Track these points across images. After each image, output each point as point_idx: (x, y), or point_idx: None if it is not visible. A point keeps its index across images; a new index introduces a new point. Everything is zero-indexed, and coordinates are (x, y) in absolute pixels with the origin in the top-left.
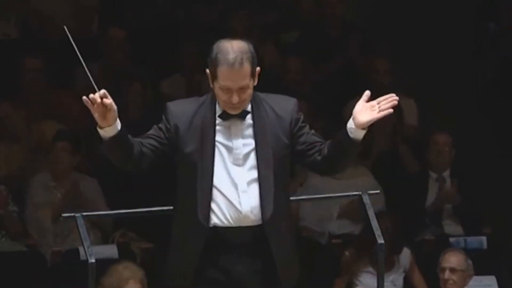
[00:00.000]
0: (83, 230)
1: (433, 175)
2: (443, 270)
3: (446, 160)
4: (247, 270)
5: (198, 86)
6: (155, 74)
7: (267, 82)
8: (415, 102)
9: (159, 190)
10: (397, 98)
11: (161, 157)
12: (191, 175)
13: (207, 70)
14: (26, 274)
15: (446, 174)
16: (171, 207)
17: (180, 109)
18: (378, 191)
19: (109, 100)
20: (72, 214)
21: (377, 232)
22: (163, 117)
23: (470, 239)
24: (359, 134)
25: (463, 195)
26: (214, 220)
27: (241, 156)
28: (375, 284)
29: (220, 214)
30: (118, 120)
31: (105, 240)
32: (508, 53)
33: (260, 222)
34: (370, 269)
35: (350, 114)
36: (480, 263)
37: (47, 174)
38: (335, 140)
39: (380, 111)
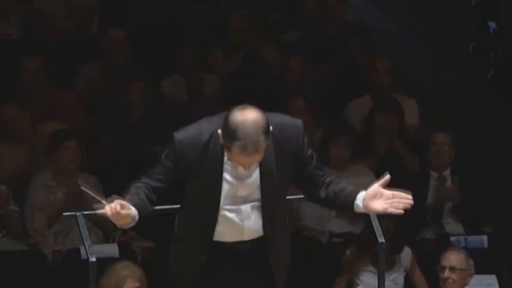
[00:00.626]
0: (84, 229)
1: (434, 174)
2: (443, 269)
3: (446, 160)
4: (247, 278)
5: (198, 86)
6: (155, 74)
7: (268, 82)
8: (416, 102)
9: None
10: (411, 201)
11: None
12: (198, 200)
13: (219, 131)
14: (27, 273)
15: (447, 173)
16: (173, 206)
17: (189, 146)
18: None
19: (127, 211)
20: (73, 213)
21: (378, 231)
22: (171, 152)
23: (471, 238)
24: (363, 211)
25: (464, 194)
26: (217, 238)
27: (244, 194)
28: (376, 283)
29: (223, 235)
30: (133, 210)
31: (106, 239)
32: (508, 53)
33: (260, 234)
34: (371, 268)
35: (351, 115)
36: (481, 262)
37: (48, 174)
38: (337, 196)
39: (392, 207)
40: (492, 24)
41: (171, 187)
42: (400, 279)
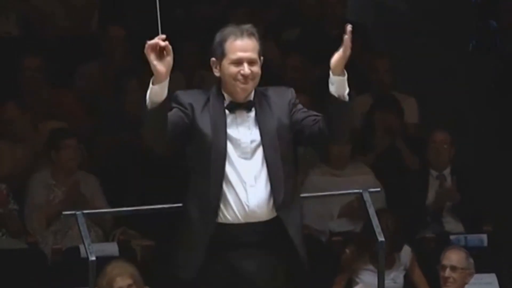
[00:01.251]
0: (83, 228)
1: (434, 173)
2: (444, 268)
3: (446, 158)
4: (254, 267)
5: (198, 84)
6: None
7: (268, 79)
8: (415, 100)
9: (160, 187)
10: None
11: (183, 132)
12: (202, 169)
13: (212, 59)
14: (27, 272)
15: (447, 172)
16: (172, 205)
17: (191, 96)
18: (378, 189)
19: (166, 43)
20: (73, 212)
21: (378, 229)
22: (175, 103)
23: (471, 237)
24: (339, 83)
25: (464, 193)
26: (222, 216)
27: (248, 150)
28: (376, 282)
29: (229, 210)
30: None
31: (105, 238)
32: (509, 51)
33: (266, 218)
34: (371, 266)
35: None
36: (481, 261)
37: (47, 173)
38: (327, 107)
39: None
40: (493, 23)
41: (184, 127)
42: (400, 278)
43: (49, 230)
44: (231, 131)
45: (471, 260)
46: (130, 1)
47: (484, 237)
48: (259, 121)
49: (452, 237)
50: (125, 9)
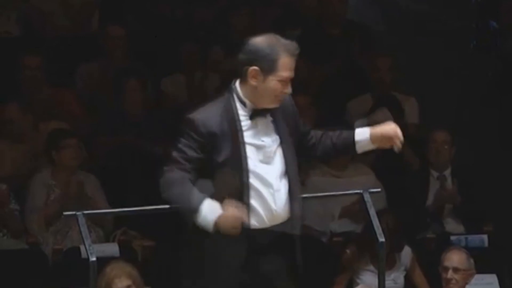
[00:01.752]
0: (84, 229)
1: (434, 173)
2: (446, 269)
3: (446, 158)
4: (274, 268)
5: (199, 84)
6: (155, 72)
7: None
8: (416, 100)
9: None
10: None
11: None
12: (227, 180)
13: (254, 68)
14: (27, 272)
15: (447, 172)
16: (172, 205)
17: (206, 117)
18: (379, 190)
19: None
20: (73, 213)
21: (378, 230)
22: (191, 132)
23: (471, 237)
24: (368, 147)
25: (465, 193)
26: (256, 221)
27: (271, 154)
28: (376, 283)
29: (256, 216)
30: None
31: (106, 239)
32: (509, 51)
33: (285, 219)
34: (371, 267)
35: (352, 114)
36: (482, 262)
37: (47, 173)
38: (338, 142)
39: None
40: (492, 23)
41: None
42: (400, 278)
43: (49, 231)
44: (253, 138)
45: (472, 261)
46: (130, 1)
47: (485, 237)
48: (276, 126)
49: (452, 237)
50: (125, 9)
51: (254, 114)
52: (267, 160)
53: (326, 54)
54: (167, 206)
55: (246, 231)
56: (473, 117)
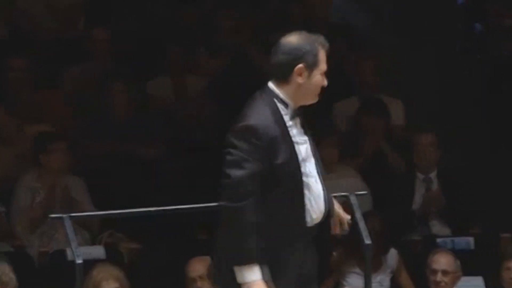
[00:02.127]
0: (70, 231)
1: (420, 176)
2: (435, 272)
3: (432, 161)
4: (311, 265)
5: (184, 87)
6: (141, 75)
7: (255, 81)
8: (402, 102)
9: (148, 190)
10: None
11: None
12: (286, 182)
13: (300, 66)
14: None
15: (433, 175)
16: (160, 208)
17: (264, 122)
18: (365, 192)
19: None
20: (60, 215)
21: (364, 232)
22: (252, 139)
23: (458, 239)
24: None
25: (451, 196)
26: (309, 219)
27: (310, 152)
28: (362, 285)
29: (314, 211)
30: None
31: (92, 241)
32: (495, 53)
33: (321, 219)
34: (358, 269)
35: (338, 117)
36: (468, 264)
37: (33, 176)
38: None
39: None
40: (478, 25)
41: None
42: (386, 281)
43: (35, 233)
44: (297, 137)
45: (459, 263)
46: (116, 4)
47: (471, 240)
48: (303, 124)
49: (439, 240)
50: (111, 12)
51: (294, 115)
52: (308, 159)
53: None
54: (154, 209)
55: (303, 228)
56: (458, 119)
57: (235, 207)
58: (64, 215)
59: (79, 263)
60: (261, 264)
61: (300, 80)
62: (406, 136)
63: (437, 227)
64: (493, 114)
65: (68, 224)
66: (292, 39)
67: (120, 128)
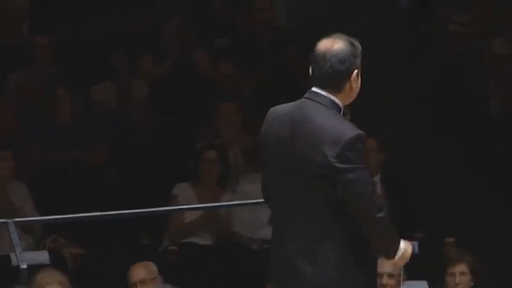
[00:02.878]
0: (14, 236)
1: None
2: (380, 275)
3: (375, 165)
4: None
5: (128, 92)
6: (85, 80)
7: (199, 87)
8: (347, 107)
9: (91, 195)
10: None
11: None
12: None
13: (357, 72)
14: None
15: (377, 178)
16: (103, 213)
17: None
18: None
19: None
20: (4, 220)
21: None
22: (361, 147)
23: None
24: None
25: (394, 200)
26: None
27: None
28: None
29: None
30: None
31: (36, 246)
32: (440, 57)
33: None
34: None
35: None
36: (412, 268)
37: None
38: None
39: None
40: (423, 28)
41: None
42: None
43: None
44: None
45: (402, 266)
46: (60, 10)
47: (416, 244)
48: None
49: None
50: (55, 17)
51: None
52: None
53: (256, 61)
54: (98, 214)
55: None
56: (401, 123)
57: (385, 216)
58: (8, 220)
59: (24, 268)
60: None
61: (354, 84)
62: None
63: None
64: (437, 118)
65: (12, 229)
66: (342, 46)
67: (64, 133)
